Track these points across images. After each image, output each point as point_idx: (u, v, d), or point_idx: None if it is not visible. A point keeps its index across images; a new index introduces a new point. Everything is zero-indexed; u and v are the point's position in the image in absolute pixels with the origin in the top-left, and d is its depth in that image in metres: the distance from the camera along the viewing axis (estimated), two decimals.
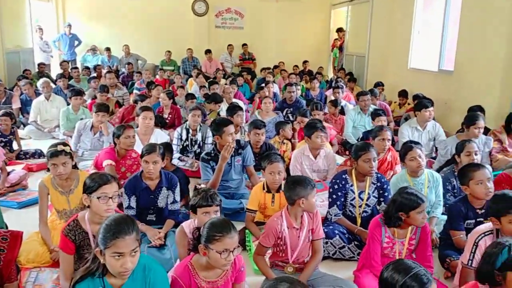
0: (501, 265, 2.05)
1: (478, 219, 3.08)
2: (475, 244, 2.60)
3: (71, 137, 5.67)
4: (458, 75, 6.67)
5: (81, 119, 5.96)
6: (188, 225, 2.89)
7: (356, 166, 3.45)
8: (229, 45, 12.22)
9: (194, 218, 2.87)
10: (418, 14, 8.26)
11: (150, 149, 3.41)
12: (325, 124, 4.70)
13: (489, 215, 2.64)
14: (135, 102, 6.56)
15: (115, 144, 4.23)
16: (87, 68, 10.64)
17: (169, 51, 11.79)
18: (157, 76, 10.39)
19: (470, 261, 2.60)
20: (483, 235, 2.61)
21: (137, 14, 12.28)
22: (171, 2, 12.31)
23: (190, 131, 5.33)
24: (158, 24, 12.26)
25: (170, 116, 6.59)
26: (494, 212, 2.57)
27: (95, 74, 9.82)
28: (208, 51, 11.76)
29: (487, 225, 2.65)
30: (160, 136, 4.96)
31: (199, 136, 5.33)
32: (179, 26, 12.35)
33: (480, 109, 5.14)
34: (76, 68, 9.06)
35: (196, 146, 5.33)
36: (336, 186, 3.51)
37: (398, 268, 1.85)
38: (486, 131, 5.08)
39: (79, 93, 6.46)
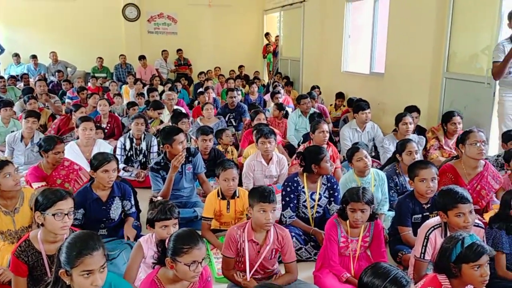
0: (456, 258, 2.20)
1: (424, 214, 3.28)
2: (426, 237, 2.76)
3: (3, 151, 5.30)
4: (389, 77, 7.05)
5: (12, 131, 5.59)
6: (146, 240, 2.81)
7: (318, 169, 3.51)
8: (164, 50, 12.01)
9: (152, 232, 2.81)
10: (348, 18, 8.60)
11: (108, 157, 3.31)
12: (274, 129, 4.77)
13: (437, 209, 2.82)
14: (70, 112, 6.24)
15: (41, 155, 3.92)
16: (13, 77, 9.97)
17: (100, 58, 11.36)
18: (90, 84, 9.98)
19: (422, 254, 2.75)
20: (432, 228, 2.78)
21: (64, 20, 11.70)
22: (100, 7, 11.87)
23: (134, 140, 5.19)
24: (87, 29, 11.77)
25: (109, 125, 6.35)
26: (442, 206, 2.74)
27: (22, 84, 9.25)
28: (142, 57, 11.48)
29: (436, 219, 2.83)
30: (103, 146, 4.78)
31: (143, 145, 5.20)
32: (109, 31, 11.95)
33: (415, 108, 5.47)
34: (2, 77, 8.45)
35: (141, 156, 5.19)
36: (288, 189, 3.59)
37: (376, 272, 1.90)
38: (421, 129, 5.42)
39: (8, 104, 6.04)
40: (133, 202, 3.51)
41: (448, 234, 2.64)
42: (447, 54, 5.77)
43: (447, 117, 4.89)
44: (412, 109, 5.43)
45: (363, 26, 8.33)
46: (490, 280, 2.77)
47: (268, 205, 2.73)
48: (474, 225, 2.75)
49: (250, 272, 2.84)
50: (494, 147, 5.03)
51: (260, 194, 2.77)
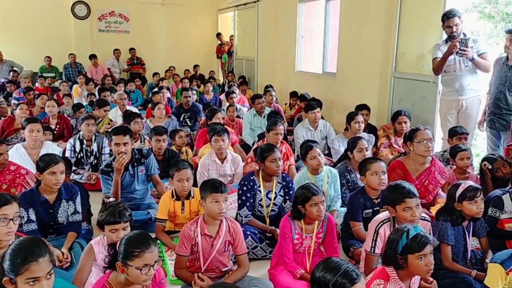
0: (402, 249, 2.29)
1: (375, 209, 3.38)
2: (376, 232, 2.85)
3: None
4: (341, 77, 7.21)
5: None
6: (97, 242, 2.74)
7: (263, 167, 3.56)
8: (116, 49, 11.72)
9: (103, 235, 2.74)
10: (301, 19, 8.72)
11: (55, 159, 3.21)
12: (228, 128, 4.77)
13: (386, 204, 2.91)
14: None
15: None
16: None
17: (49, 57, 10.94)
18: (37, 84, 9.59)
19: (372, 248, 2.84)
20: (381, 223, 2.87)
21: (9, 17, 11.19)
22: (48, 4, 11.44)
23: (84, 141, 5.03)
24: (34, 27, 11.31)
25: (58, 126, 6.13)
26: (390, 201, 2.84)
27: None
28: (92, 56, 11.16)
29: (385, 214, 2.92)
30: (51, 148, 4.59)
31: (94, 147, 5.06)
32: (58, 30, 11.55)
33: (366, 107, 5.65)
34: None
35: (92, 158, 5.04)
36: (245, 188, 3.60)
37: (328, 267, 1.93)
38: (371, 128, 5.58)
39: None
40: (78, 205, 3.34)
41: None
42: (395, 54, 5.98)
43: (395, 117, 5.07)
44: (362, 107, 5.59)
45: (316, 26, 8.48)
46: (436, 272, 2.91)
47: (221, 195, 2.77)
48: (421, 219, 2.86)
49: (204, 265, 2.85)
50: (438, 143, 5.25)
51: (212, 185, 2.81)
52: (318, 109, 5.62)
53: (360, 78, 6.61)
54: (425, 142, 3.66)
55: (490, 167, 3.99)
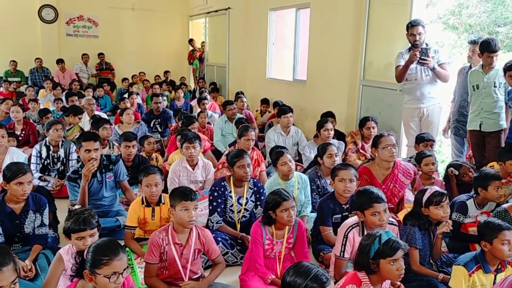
0: (374, 254, 2.32)
1: (344, 214, 3.43)
2: (345, 236, 2.88)
3: None
4: (311, 84, 7.32)
5: None
6: (66, 251, 2.67)
7: (233, 173, 3.57)
8: (84, 54, 11.50)
9: (71, 243, 2.68)
10: (272, 27, 8.80)
11: (23, 169, 3.11)
12: (200, 135, 4.76)
13: (355, 209, 2.96)
14: None
15: None
16: None
17: (14, 61, 10.62)
18: (2, 89, 9.31)
19: (342, 253, 2.87)
20: (351, 227, 2.91)
21: None
22: (14, 8, 11.12)
23: (51, 147, 4.91)
24: None
25: (24, 132, 5.96)
26: (358, 206, 2.88)
27: None
28: (60, 61, 10.91)
29: (354, 219, 2.97)
30: (16, 154, 4.46)
31: (61, 153, 4.94)
32: (24, 33, 11.22)
33: (331, 114, 5.74)
34: None
35: (59, 164, 4.92)
36: (215, 194, 3.59)
37: (298, 271, 1.94)
38: (340, 134, 5.67)
39: None
40: (45, 218, 3.25)
41: (365, 233, 2.77)
42: (363, 63, 6.12)
43: (363, 123, 5.17)
44: (327, 114, 5.70)
45: (287, 34, 8.56)
46: (404, 275, 2.97)
47: (191, 203, 2.77)
48: (389, 223, 2.91)
49: (186, 276, 2.83)
50: (404, 150, 5.40)
51: (182, 193, 2.80)
52: (291, 113, 5.68)
53: (330, 85, 6.72)
54: (389, 148, 3.75)
55: (456, 173, 4.13)
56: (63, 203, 4.19)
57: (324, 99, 6.83)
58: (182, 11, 13.10)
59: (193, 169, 4.30)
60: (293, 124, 5.90)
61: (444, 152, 6.47)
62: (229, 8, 10.10)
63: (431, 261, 3.13)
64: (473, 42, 4.91)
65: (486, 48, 4.33)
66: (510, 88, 4.28)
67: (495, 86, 4.42)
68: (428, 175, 4.15)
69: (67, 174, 3.99)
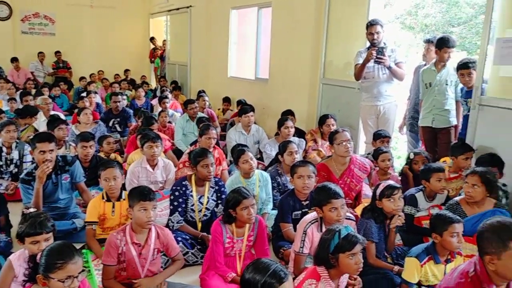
0: (334, 248, 2.37)
1: (303, 210, 3.47)
2: (304, 232, 2.93)
3: None
4: (272, 83, 7.37)
5: None
6: (17, 257, 2.58)
7: (196, 172, 3.55)
8: (40, 52, 11.14)
9: (24, 248, 2.59)
10: (233, 25, 8.81)
11: None
12: (161, 135, 4.70)
13: (313, 205, 3.01)
14: None
15: None
16: None
17: None
18: None
19: (301, 248, 2.91)
20: (309, 223, 2.96)
21: None
22: None
23: (4, 149, 4.73)
24: None
25: None
26: (317, 202, 2.93)
27: None
28: (14, 59, 10.52)
29: (312, 215, 3.02)
30: None
31: (15, 154, 4.77)
32: None
33: (291, 112, 5.80)
34: None
35: (12, 166, 4.75)
36: (176, 193, 3.57)
37: (257, 268, 1.95)
38: (300, 132, 5.74)
39: None
40: None
41: (324, 228, 2.83)
42: (323, 62, 6.22)
43: (322, 120, 5.26)
44: (287, 112, 5.76)
45: (249, 33, 8.59)
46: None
47: (149, 203, 2.74)
48: (346, 218, 2.98)
49: (143, 275, 2.80)
50: (363, 146, 5.53)
51: (140, 193, 2.77)
52: (252, 113, 5.70)
53: (291, 84, 6.79)
54: (344, 143, 3.83)
55: (412, 156, 4.30)
56: (16, 207, 4.05)
57: (285, 97, 6.89)
58: (142, 8, 12.91)
59: (153, 169, 4.25)
60: (255, 123, 5.92)
61: (400, 148, 6.67)
62: (190, 6, 10.03)
63: (386, 254, 3.22)
64: (428, 41, 5.09)
65: (445, 44, 4.51)
66: (461, 86, 4.47)
67: (446, 84, 4.60)
68: (384, 170, 4.27)
69: (21, 177, 3.85)
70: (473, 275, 2.05)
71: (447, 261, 2.76)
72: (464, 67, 4.23)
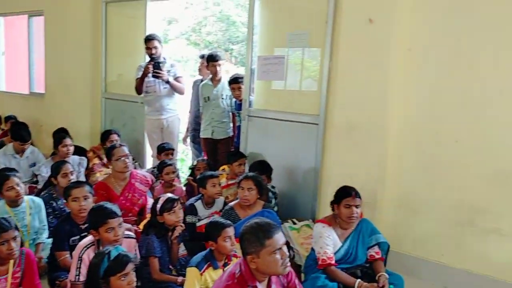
0: (104, 272, 2.25)
1: (82, 234, 3.22)
2: (80, 258, 2.72)
3: None
4: (50, 98, 6.78)
5: None
6: None
7: None
8: None
9: None
10: (0, 34, 7.83)
11: None
12: None
13: (89, 228, 2.83)
14: None
15: None
16: None
17: None
18: None
19: (77, 277, 2.69)
20: (85, 248, 2.76)
21: None
22: None
23: None
24: None
25: None
26: (94, 225, 2.77)
27: None
28: None
29: (89, 238, 2.82)
30: None
31: None
32: None
33: (64, 130, 5.36)
34: None
35: None
36: None
37: None
38: (81, 150, 5.37)
39: None
40: None
41: None
42: (104, 76, 6.02)
43: (105, 136, 5.06)
44: (60, 131, 5.29)
45: (21, 43, 7.71)
46: (146, 285, 3.00)
47: None
48: (126, 237, 2.89)
49: None
50: (150, 160, 5.53)
51: None
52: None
53: (71, 99, 6.37)
54: (122, 158, 3.75)
55: (196, 163, 4.51)
56: None
57: (66, 113, 6.41)
58: None
59: None
60: (32, 144, 5.29)
61: (186, 159, 6.89)
62: None
63: (171, 266, 3.25)
64: (202, 57, 5.40)
65: (211, 59, 4.91)
66: (234, 99, 4.86)
67: (223, 98, 4.96)
68: (169, 183, 4.32)
69: None
70: (239, 276, 2.20)
71: (225, 265, 2.92)
72: (234, 81, 4.63)
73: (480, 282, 3.33)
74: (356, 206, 3.00)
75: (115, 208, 2.84)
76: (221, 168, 4.57)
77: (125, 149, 3.79)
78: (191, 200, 3.79)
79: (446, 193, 3.45)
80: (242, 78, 4.62)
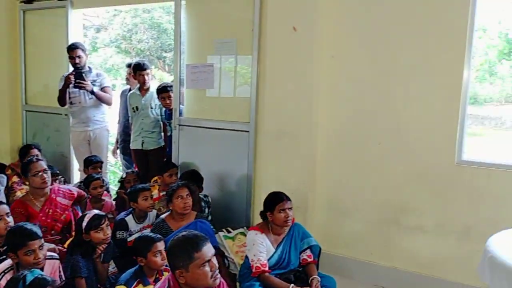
0: None
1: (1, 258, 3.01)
2: None
3: None
4: None
5: None
6: None
7: None
8: None
9: None
10: None
11: None
12: None
13: (8, 250, 2.64)
14: None
15: None
16: None
17: None
18: None
19: None
20: (3, 273, 2.57)
21: None
22: None
23: None
24: None
25: None
26: (11, 247, 2.59)
27: None
28: None
29: (7, 262, 2.64)
30: None
31: None
32: None
33: None
34: None
35: None
36: None
37: None
38: (0, 167, 5.03)
39: None
40: None
41: None
42: (24, 87, 5.69)
43: (24, 151, 4.73)
44: None
45: None
46: None
47: None
48: (48, 258, 2.72)
49: None
50: (77, 174, 5.28)
51: None
52: None
53: None
54: (40, 174, 3.49)
55: (125, 175, 4.38)
56: None
57: None
58: None
59: None
60: None
61: (117, 172, 6.65)
62: None
63: (100, 285, 3.10)
64: (128, 66, 5.25)
65: (137, 68, 4.77)
66: (164, 108, 4.76)
67: (152, 107, 4.84)
68: (97, 198, 4.13)
69: None
70: None
71: (156, 281, 2.83)
72: (163, 90, 4.54)
73: (407, 279, 3.49)
74: (289, 209, 3.06)
75: (35, 228, 2.67)
76: (153, 179, 4.46)
77: (43, 163, 3.55)
78: (122, 214, 3.64)
79: (372, 193, 3.59)
80: (171, 86, 4.54)
